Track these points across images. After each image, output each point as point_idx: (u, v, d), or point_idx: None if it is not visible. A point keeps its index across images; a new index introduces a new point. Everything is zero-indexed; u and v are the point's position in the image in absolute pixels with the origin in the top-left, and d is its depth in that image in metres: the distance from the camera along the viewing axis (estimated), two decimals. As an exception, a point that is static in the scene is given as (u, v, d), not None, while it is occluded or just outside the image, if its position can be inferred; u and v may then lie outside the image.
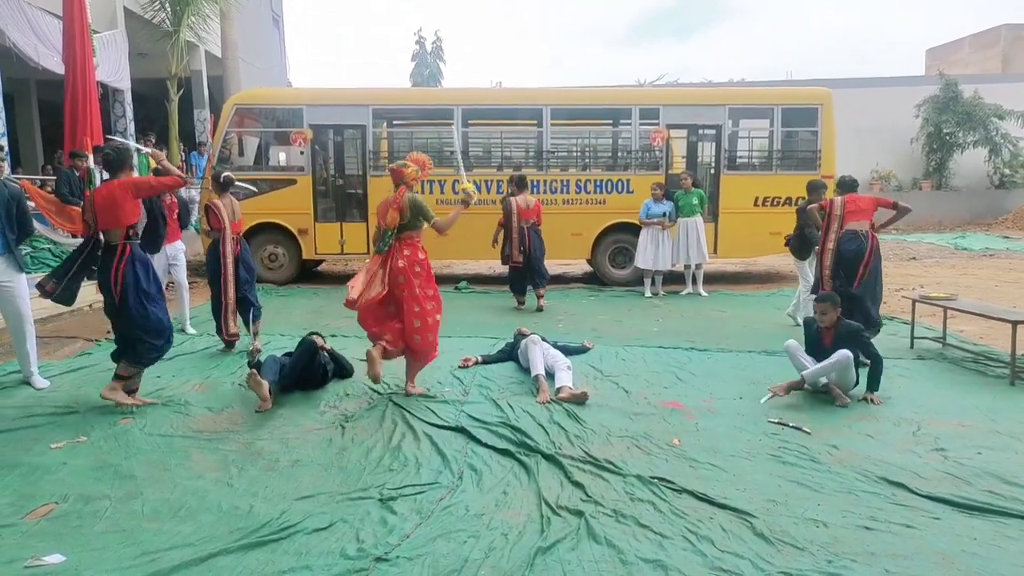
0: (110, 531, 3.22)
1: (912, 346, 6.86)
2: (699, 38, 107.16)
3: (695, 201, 9.97)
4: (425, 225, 5.19)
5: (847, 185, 6.97)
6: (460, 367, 5.98)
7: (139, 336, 4.87)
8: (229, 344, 6.72)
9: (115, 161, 4.91)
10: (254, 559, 2.96)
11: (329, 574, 2.84)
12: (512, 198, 9.04)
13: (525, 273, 9.05)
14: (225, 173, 6.88)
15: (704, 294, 10.07)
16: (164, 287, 7.04)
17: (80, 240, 8.44)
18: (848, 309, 6.18)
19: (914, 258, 14.52)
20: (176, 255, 7.34)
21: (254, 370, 4.89)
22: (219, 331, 6.70)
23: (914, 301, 7.05)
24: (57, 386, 5.50)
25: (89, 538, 3.15)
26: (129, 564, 2.91)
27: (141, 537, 3.15)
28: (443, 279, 11.68)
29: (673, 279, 10.56)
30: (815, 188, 7.74)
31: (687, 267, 10.22)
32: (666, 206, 9.96)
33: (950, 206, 22.28)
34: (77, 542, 3.10)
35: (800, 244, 7.90)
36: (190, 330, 7.42)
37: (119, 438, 4.37)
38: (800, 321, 7.63)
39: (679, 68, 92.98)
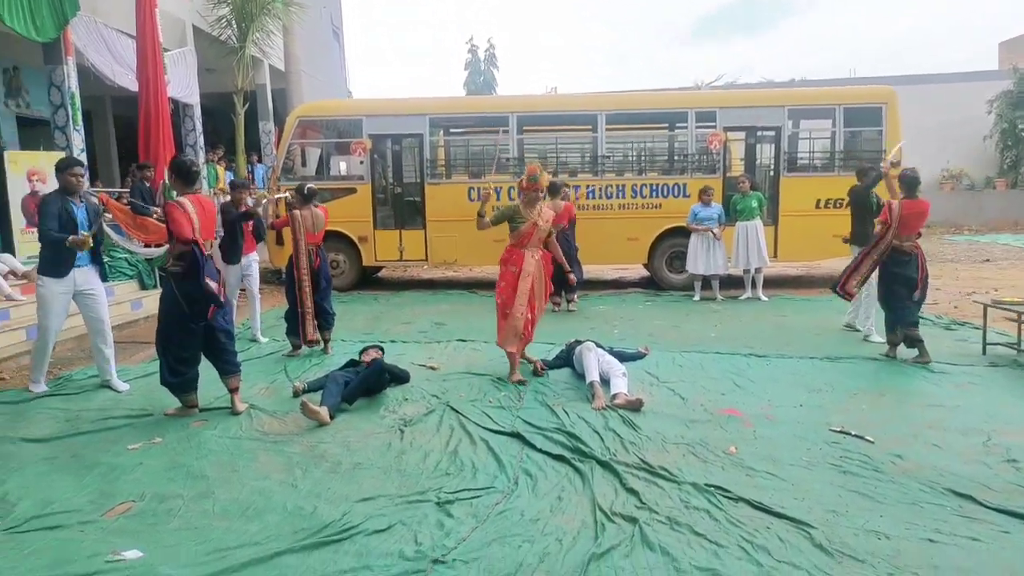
0: (183, 528, 3.38)
1: (984, 352, 6.62)
2: (768, 34, 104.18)
3: (754, 204, 9.82)
4: (510, 226, 5.98)
5: (913, 184, 6.51)
6: (535, 374, 6.04)
7: (227, 345, 5.17)
8: (297, 347, 6.96)
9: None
10: (317, 558, 3.07)
11: (388, 574, 2.93)
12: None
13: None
14: (309, 185, 7.13)
15: (764, 298, 9.90)
16: (236, 296, 7.40)
17: (154, 249, 8.86)
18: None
19: (988, 260, 13.95)
20: (249, 265, 7.56)
21: (304, 400, 4.95)
22: (290, 332, 6.97)
23: (986, 306, 6.79)
24: (133, 389, 5.79)
25: (164, 535, 3.32)
26: (201, 561, 3.05)
27: (212, 535, 3.30)
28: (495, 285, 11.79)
29: (732, 283, 10.42)
30: (864, 172, 7.75)
31: (746, 271, 10.07)
32: (715, 210, 9.85)
33: (1027, 205, 21.32)
34: (153, 539, 3.27)
35: (861, 230, 7.59)
36: (261, 339, 7.66)
37: (191, 440, 4.58)
38: (864, 329, 7.41)
39: (746, 65, 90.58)
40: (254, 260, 7.67)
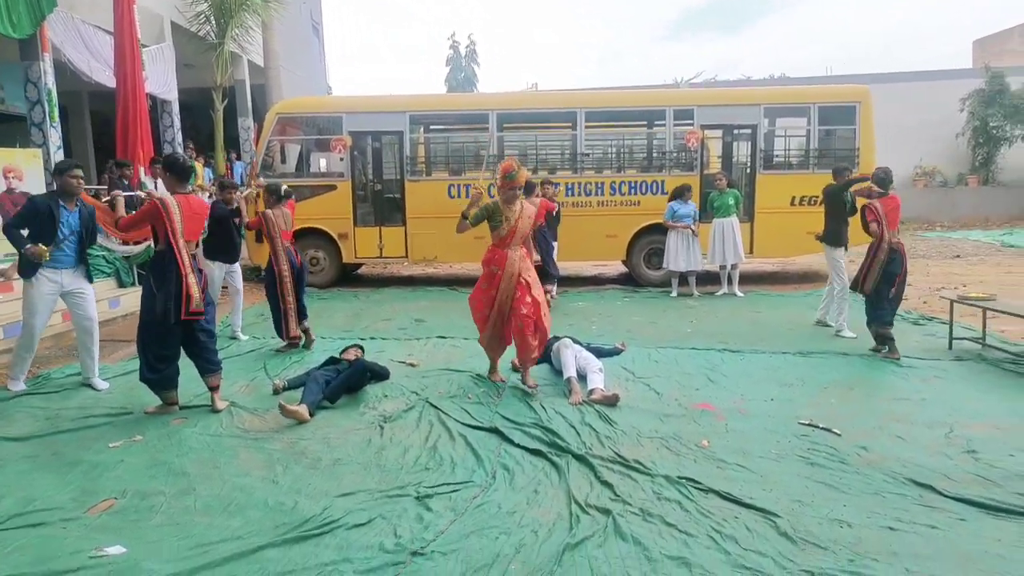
0: (165, 524, 3.44)
1: (951, 347, 6.80)
2: (749, 30, 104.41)
3: (731, 201, 9.97)
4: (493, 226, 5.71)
5: (886, 181, 6.68)
6: (514, 370, 6.10)
7: (207, 344, 5.17)
8: (295, 343, 7.05)
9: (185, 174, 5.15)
10: (298, 552, 3.14)
11: (368, 567, 3.01)
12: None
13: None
14: (285, 187, 7.21)
15: (740, 294, 10.07)
16: (219, 294, 7.46)
17: (132, 246, 8.85)
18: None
19: (958, 256, 14.23)
20: (234, 263, 7.65)
21: (281, 402, 4.96)
22: (279, 332, 7.05)
23: (952, 301, 6.98)
24: (113, 388, 5.80)
25: (146, 531, 3.37)
26: (184, 555, 3.12)
27: (194, 530, 3.36)
28: (475, 281, 11.87)
29: (708, 279, 10.57)
30: (840, 171, 7.78)
31: (722, 267, 10.23)
32: (691, 208, 10.00)
33: (997, 202, 21.75)
34: (136, 534, 3.33)
35: (834, 228, 7.70)
36: (242, 337, 7.67)
37: (172, 437, 4.61)
38: (836, 325, 7.54)
39: (734, 59, 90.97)
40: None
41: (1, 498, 3.71)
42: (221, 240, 7.32)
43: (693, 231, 9.91)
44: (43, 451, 4.41)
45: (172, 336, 5.01)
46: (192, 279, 4.90)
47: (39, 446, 4.50)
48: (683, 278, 10.30)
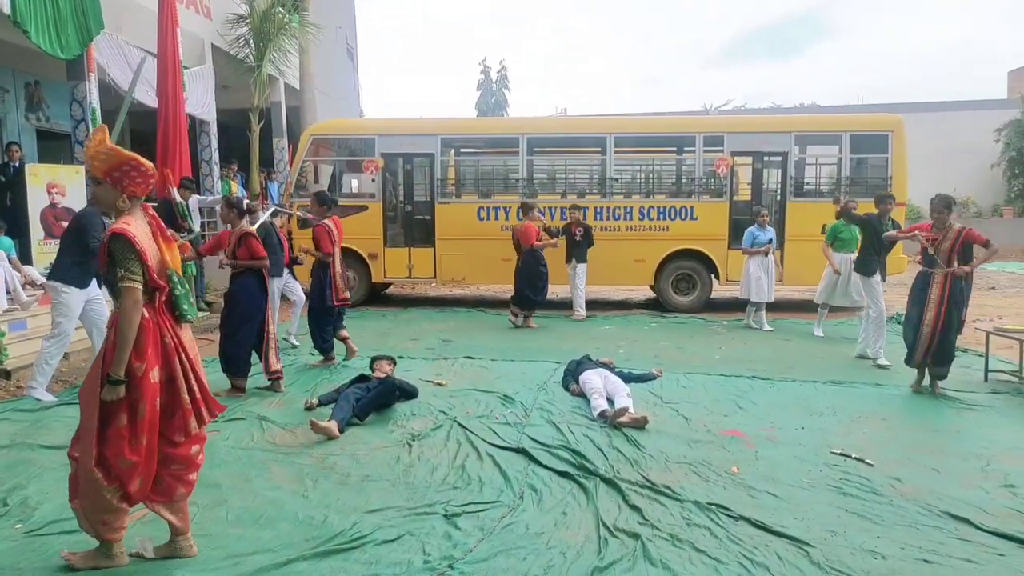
0: (198, 535, 3.47)
1: (986, 379, 6.68)
2: (798, 58, 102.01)
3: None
4: None
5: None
6: None
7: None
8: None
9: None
10: (328, 566, 3.17)
11: (397, 583, 3.03)
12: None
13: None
14: (247, 200, 7.54)
15: (769, 328, 9.76)
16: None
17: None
18: None
19: (994, 288, 14.00)
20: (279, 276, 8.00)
21: (312, 419, 5.03)
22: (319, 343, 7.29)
23: (988, 333, 6.87)
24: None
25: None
26: (215, 566, 3.16)
27: (226, 541, 3.40)
28: (503, 303, 11.91)
29: (737, 307, 10.47)
30: (882, 199, 7.71)
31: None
32: (771, 233, 9.72)
33: (1034, 233, 21.37)
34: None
35: (864, 258, 7.58)
36: (295, 343, 8.20)
37: (205, 450, 4.65)
38: (873, 353, 7.37)
39: (774, 89, 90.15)
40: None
41: (39, 504, 3.80)
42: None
43: (767, 252, 9.47)
44: (80, 460, 4.48)
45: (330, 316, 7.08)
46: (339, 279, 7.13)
47: (76, 455, 4.58)
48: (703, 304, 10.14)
